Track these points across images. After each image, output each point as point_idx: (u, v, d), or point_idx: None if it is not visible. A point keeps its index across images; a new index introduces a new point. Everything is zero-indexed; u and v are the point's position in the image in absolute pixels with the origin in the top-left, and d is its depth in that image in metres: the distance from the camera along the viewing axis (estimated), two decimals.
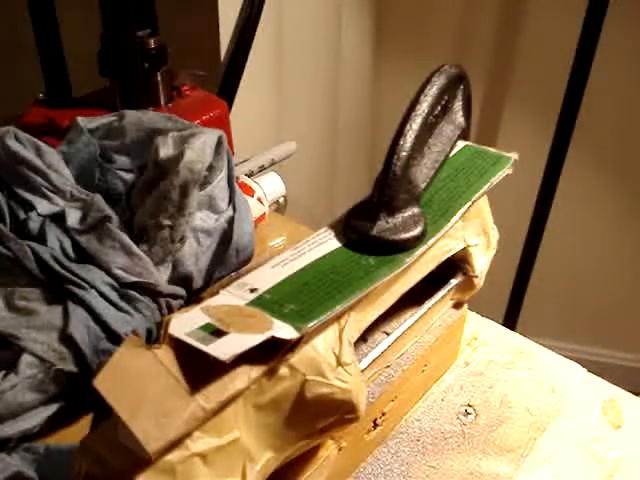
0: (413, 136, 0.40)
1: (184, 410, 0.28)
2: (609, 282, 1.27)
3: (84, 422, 0.43)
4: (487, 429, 0.46)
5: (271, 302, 0.34)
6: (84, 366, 0.42)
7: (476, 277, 0.46)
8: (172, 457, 0.28)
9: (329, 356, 0.33)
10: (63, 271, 0.44)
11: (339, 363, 0.33)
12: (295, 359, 0.32)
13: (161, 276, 0.47)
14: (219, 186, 0.49)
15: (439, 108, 0.44)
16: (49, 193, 0.48)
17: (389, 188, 0.39)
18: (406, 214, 0.40)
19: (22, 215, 0.47)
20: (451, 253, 0.43)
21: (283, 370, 0.32)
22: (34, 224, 0.47)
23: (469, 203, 0.42)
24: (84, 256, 0.46)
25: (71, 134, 0.52)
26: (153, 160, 0.47)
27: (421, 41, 1.13)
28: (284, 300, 0.34)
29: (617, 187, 1.13)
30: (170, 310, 0.47)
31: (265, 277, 0.36)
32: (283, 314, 0.33)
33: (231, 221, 0.50)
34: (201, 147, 0.47)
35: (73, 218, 0.46)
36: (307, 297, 0.34)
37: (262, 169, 0.72)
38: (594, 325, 1.33)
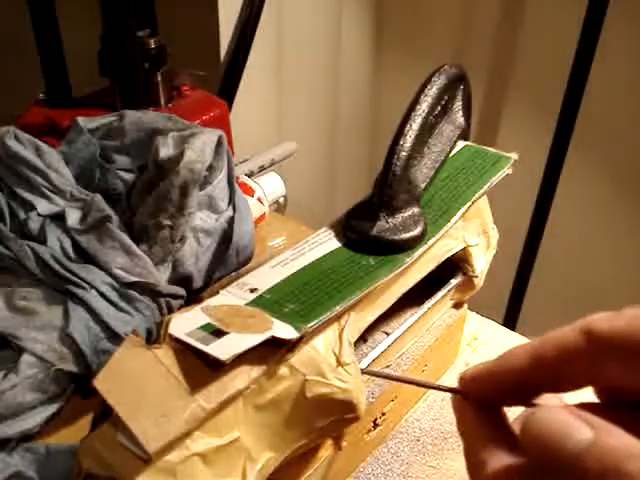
0: (413, 136, 0.40)
1: (184, 410, 0.28)
2: (609, 282, 1.27)
3: (84, 422, 0.43)
4: None
5: (271, 302, 0.34)
6: (84, 366, 0.42)
7: (476, 277, 0.46)
8: (172, 457, 0.28)
9: (329, 356, 0.33)
10: (63, 271, 0.44)
11: (339, 363, 0.33)
12: (295, 359, 0.32)
13: (161, 276, 0.47)
14: (219, 186, 0.49)
15: (439, 108, 0.44)
16: (49, 193, 0.48)
17: (389, 188, 0.39)
18: (406, 214, 0.40)
19: (22, 215, 0.47)
20: (451, 253, 0.43)
21: (283, 370, 0.32)
22: (34, 224, 0.46)
23: (469, 203, 0.42)
24: (84, 256, 0.46)
25: (71, 134, 0.52)
26: (153, 160, 0.47)
27: (421, 41, 1.13)
28: (284, 300, 0.34)
29: (617, 187, 1.13)
30: (170, 310, 0.47)
31: (265, 277, 0.36)
32: (283, 314, 0.33)
33: (231, 221, 0.50)
34: (201, 147, 0.47)
35: (73, 218, 0.46)
36: (307, 297, 0.34)
37: (262, 169, 0.72)
38: None
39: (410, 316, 0.44)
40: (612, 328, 0.20)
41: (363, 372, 0.36)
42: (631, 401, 0.20)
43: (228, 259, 0.50)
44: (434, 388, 0.31)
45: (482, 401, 0.23)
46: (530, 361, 0.21)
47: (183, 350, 0.30)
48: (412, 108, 0.41)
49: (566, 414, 0.19)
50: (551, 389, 0.22)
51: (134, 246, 0.45)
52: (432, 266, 0.42)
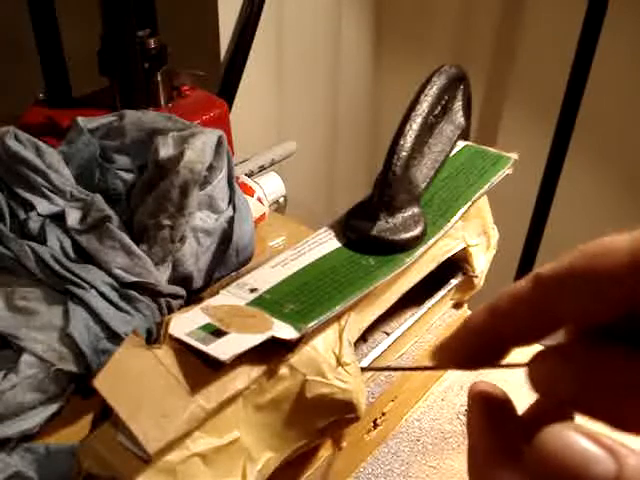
0: (413, 136, 0.40)
1: (184, 410, 0.28)
2: None
3: (84, 422, 0.43)
4: None
5: (271, 302, 0.34)
6: (84, 366, 0.42)
7: (476, 277, 0.46)
8: (172, 457, 0.28)
9: (329, 356, 0.33)
10: (63, 271, 0.44)
11: (339, 363, 0.33)
12: (295, 359, 0.32)
13: (161, 276, 0.47)
14: (219, 186, 0.49)
15: (439, 108, 0.44)
16: (49, 193, 0.48)
17: (389, 188, 0.39)
18: (406, 214, 0.40)
19: (22, 215, 0.47)
20: (451, 253, 0.43)
21: (283, 370, 0.32)
22: (34, 224, 0.46)
23: (469, 203, 0.42)
24: (84, 256, 0.46)
25: (71, 134, 0.52)
26: (153, 160, 0.47)
27: (421, 41, 1.13)
28: (284, 300, 0.34)
29: (617, 187, 1.13)
30: (170, 310, 0.47)
31: (265, 277, 0.36)
32: (283, 314, 0.33)
33: (231, 221, 0.50)
34: (201, 147, 0.47)
35: (73, 218, 0.46)
36: (307, 297, 0.34)
37: (262, 169, 0.72)
38: None
39: (410, 316, 0.44)
40: (556, 266, 0.20)
41: (363, 370, 0.36)
42: (598, 333, 0.20)
43: (228, 259, 0.50)
44: (429, 369, 0.31)
45: (494, 403, 0.23)
46: (488, 315, 0.22)
47: (183, 350, 0.30)
48: (412, 108, 0.41)
49: (583, 439, 0.17)
50: (516, 342, 0.22)
51: (134, 246, 0.45)
52: (432, 266, 0.42)
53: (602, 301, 0.19)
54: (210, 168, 0.48)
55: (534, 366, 0.21)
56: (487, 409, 0.22)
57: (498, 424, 0.22)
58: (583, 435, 0.17)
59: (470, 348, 0.22)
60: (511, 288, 0.21)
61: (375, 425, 0.43)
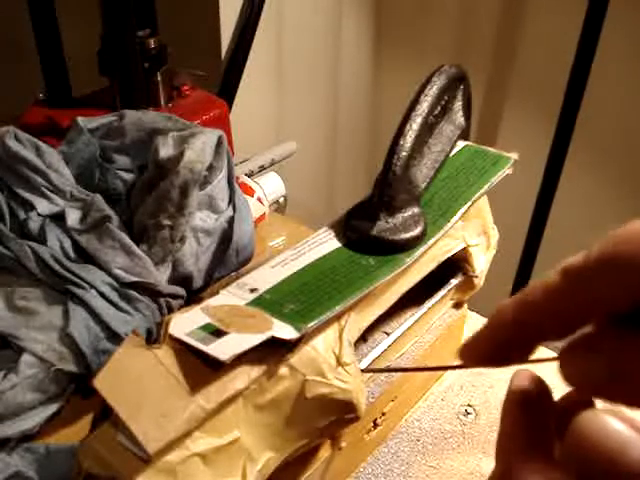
0: (413, 136, 0.40)
1: (184, 410, 0.28)
2: None
3: (84, 422, 0.43)
4: (487, 429, 0.46)
5: (271, 302, 0.34)
6: (84, 366, 0.42)
7: (476, 277, 0.46)
8: (172, 457, 0.28)
9: (329, 356, 0.33)
10: (63, 271, 0.44)
11: (339, 363, 0.33)
12: (295, 359, 0.32)
13: (161, 276, 0.47)
14: (219, 186, 0.49)
15: (439, 108, 0.44)
16: (49, 193, 0.48)
17: (389, 188, 0.39)
18: (406, 214, 0.40)
19: (22, 215, 0.47)
20: (451, 253, 0.43)
21: (283, 370, 0.32)
22: (34, 224, 0.47)
23: (469, 203, 0.42)
24: (84, 256, 0.46)
25: (71, 134, 0.52)
26: (153, 160, 0.47)
27: (421, 41, 1.13)
28: (284, 300, 0.34)
29: (618, 187, 1.13)
30: (170, 310, 0.47)
31: (265, 277, 0.36)
32: (283, 314, 0.33)
33: (231, 221, 0.50)
34: (201, 147, 0.47)
35: (73, 218, 0.46)
36: (307, 297, 0.34)
37: (262, 169, 0.72)
38: None
39: (410, 316, 0.44)
40: (585, 256, 0.20)
41: (363, 371, 0.36)
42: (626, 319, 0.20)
43: (228, 259, 0.50)
44: (436, 369, 0.31)
45: (532, 400, 0.22)
46: (519, 310, 0.21)
47: (183, 350, 0.30)
48: (412, 108, 0.41)
49: (618, 422, 0.17)
50: (548, 336, 0.21)
51: (134, 246, 0.45)
52: (432, 266, 0.42)
53: (629, 289, 0.19)
54: (210, 168, 0.48)
55: (565, 359, 0.21)
56: (524, 401, 0.22)
57: (533, 415, 0.22)
58: (618, 419, 0.17)
59: (499, 344, 0.22)
60: (541, 281, 0.21)
61: (375, 425, 0.43)
